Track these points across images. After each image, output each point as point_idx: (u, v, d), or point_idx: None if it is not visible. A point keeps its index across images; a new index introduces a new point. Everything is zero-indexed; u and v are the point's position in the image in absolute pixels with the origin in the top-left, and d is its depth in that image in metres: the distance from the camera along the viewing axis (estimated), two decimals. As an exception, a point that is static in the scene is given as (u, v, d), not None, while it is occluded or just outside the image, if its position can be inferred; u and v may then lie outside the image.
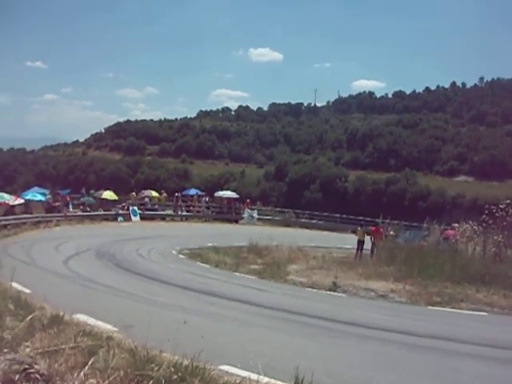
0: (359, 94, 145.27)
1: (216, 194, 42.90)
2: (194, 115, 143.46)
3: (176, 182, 78.75)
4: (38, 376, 3.37)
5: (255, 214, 40.41)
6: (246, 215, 39.93)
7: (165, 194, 42.67)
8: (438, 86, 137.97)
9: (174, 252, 21.65)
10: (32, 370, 3.39)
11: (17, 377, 3.30)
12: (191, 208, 40.46)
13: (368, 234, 23.01)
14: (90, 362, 4.04)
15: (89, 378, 3.70)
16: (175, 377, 4.35)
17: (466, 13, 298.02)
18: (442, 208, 60.44)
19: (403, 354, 8.04)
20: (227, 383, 5.08)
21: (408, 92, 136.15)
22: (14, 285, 10.46)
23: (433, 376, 6.88)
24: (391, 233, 23.38)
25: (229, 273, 17.31)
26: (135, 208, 36.27)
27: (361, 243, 22.40)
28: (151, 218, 37.09)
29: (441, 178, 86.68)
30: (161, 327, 7.35)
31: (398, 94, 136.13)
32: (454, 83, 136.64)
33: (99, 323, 8.18)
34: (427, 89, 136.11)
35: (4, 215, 27.60)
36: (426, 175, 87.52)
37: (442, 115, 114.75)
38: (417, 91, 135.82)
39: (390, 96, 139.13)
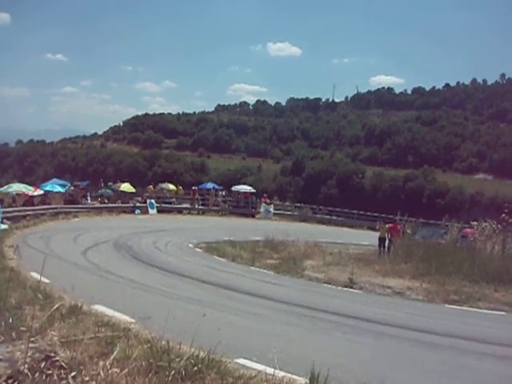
0: (378, 89, 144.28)
1: (233, 188, 42.97)
2: (212, 109, 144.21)
3: (193, 176, 79.25)
4: (63, 364, 3.45)
5: (272, 209, 40.37)
6: (262, 210, 39.92)
7: (181, 188, 42.84)
8: (458, 83, 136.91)
9: (190, 245, 21.73)
10: (57, 358, 3.47)
11: (42, 364, 3.37)
12: (208, 202, 40.58)
13: (386, 230, 22.83)
14: (115, 352, 4.11)
15: (111, 367, 3.76)
16: (195, 369, 4.39)
17: (488, 8, 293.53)
18: (460, 206, 60.06)
19: (419, 352, 7.99)
20: (243, 376, 5.10)
21: (427, 88, 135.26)
22: (34, 274, 10.64)
23: (449, 375, 6.83)
24: (408, 230, 23.20)
25: (245, 267, 17.33)
26: (152, 201, 36.48)
27: (382, 240, 22.12)
28: (168, 211, 37.28)
29: (459, 175, 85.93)
30: (177, 320, 7.39)
31: (418, 91, 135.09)
32: (474, 80, 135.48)
33: (117, 314, 8.27)
34: (447, 85, 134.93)
35: (23, 206, 27.95)
36: (445, 172, 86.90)
37: (461, 112, 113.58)
38: (436, 87, 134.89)
39: (409, 92, 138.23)
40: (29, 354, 3.36)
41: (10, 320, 5.13)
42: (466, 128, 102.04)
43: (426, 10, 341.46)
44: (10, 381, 3.19)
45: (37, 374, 3.30)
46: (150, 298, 10.67)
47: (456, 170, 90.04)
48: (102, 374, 3.57)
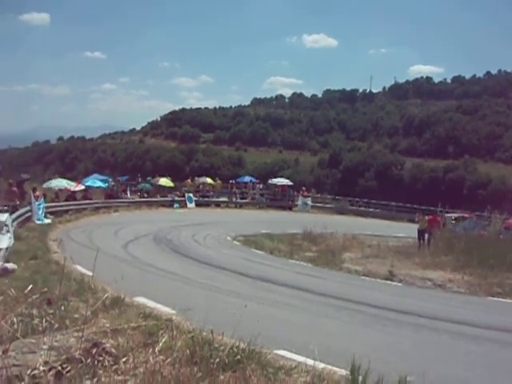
0: (416, 79, 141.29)
1: (270, 181, 43.01)
2: (248, 103, 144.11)
3: (230, 170, 79.59)
4: (113, 350, 3.60)
5: (309, 202, 40.21)
6: (299, 202, 39.82)
7: (219, 181, 43.16)
8: (499, 71, 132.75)
9: (228, 238, 21.88)
10: (107, 345, 3.62)
11: (94, 351, 3.53)
12: (245, 195, 40.73)
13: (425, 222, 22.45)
14: (162, 341, 4.26)
15: (158, 355, 3.89)
16: (237, 358, 4.47)
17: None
18: (503, 197, 58.47)
19: (461, 344, 7.90)
20: (283, 367, 5.16)
21: (468, 77, 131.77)
22: (78, 267, 10.93)
23: (491, 367, 6.74)
24: (452, 221, 22.71)
25: (283, 260, 17.37)
26: (191, 195, 36.83)
27: (422, 232, 21.70)
28: (206, 205, 37.58)
29: (502, 165, 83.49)
30: (218, 311, 7.50)
31: (457, 79, 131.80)
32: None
33: (158, 306, 8.44)
34: (488, 73, 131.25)
35: (65, 201, 28.64)
36: (487, 163, 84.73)
37: (504, 100, 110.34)
38: (477, 76, 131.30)
39: (448, 81, 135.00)
40: (82, 341, 3.52)
41: (63, 308, 5.37)
42: (508, 117, 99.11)
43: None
44: (64, 365, 3.35)
45: (89, 360, 3.47)
46: (189, 291, 10.83)
47: (498, 160, 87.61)
48: (151, 360, 3.70)
